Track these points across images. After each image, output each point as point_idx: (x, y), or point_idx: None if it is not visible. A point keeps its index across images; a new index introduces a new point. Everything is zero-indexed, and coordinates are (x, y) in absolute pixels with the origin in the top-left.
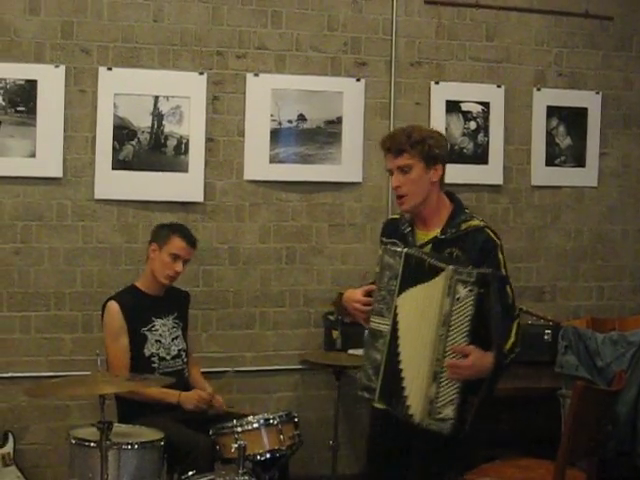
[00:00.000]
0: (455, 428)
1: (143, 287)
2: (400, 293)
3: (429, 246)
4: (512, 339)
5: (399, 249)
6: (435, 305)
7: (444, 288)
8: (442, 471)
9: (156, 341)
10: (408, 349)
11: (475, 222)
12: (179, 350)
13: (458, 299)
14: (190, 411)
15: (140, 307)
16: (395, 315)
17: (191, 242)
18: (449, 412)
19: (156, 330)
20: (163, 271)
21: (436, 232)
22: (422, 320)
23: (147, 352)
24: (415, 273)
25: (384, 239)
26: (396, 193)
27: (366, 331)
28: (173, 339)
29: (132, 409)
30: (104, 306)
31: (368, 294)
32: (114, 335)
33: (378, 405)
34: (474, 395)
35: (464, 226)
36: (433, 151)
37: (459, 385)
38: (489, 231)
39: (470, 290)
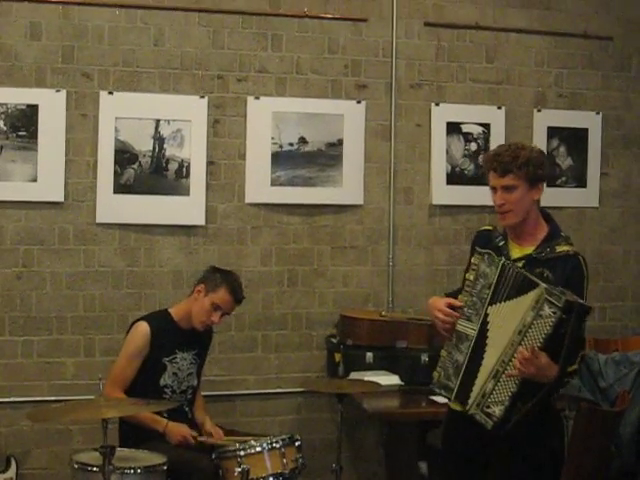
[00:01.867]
0: (497, 426)
1: (176, 317)
2: (492, 303)
3: (522, 262)
4: (575, 367)
5: (497, 259)
6: (518, 315)
7: (532, 302)
8: None
9: (173, 373)
10: (493, 356)
11: (569, 247)
12: (187, 387)
13: (541, 316)
14: (172, 443)
15: (168, 336)
16: (484, 323)
17: (238, 299)
18: (496, 410)
19: (176, 362)
20: (200, 317)
21: (530, 249)
22: (505, 328)
23: (162, 382)
24: (509, 286)
25: (478, 248)
26: (499, 210)
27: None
28: (188, 375)
29: (134, 433)
30: (132, 324)
31: (451, 307)
32: (131, 354)
33: (453, 406)
34: (523, 403)
35: (559, 249)
36: (537, 172)
37: (513, 390)
38: (581, 259)
39: (554, 312)
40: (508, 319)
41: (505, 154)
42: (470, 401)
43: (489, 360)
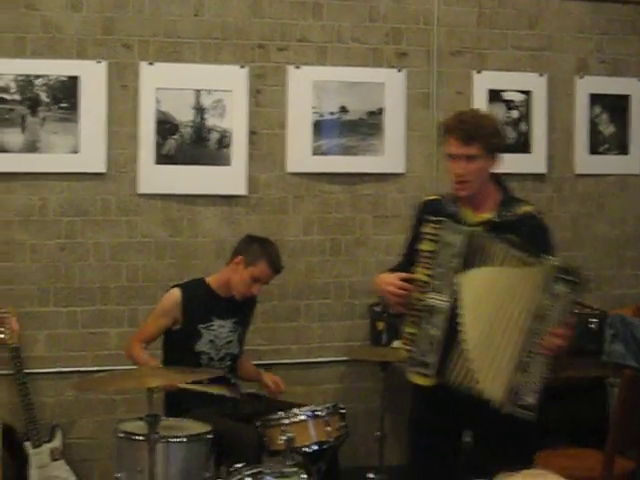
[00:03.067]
0: (533, 414)
1: (214, 285)
2: (462, 271)
3: (481, 228)
4: None
5: (460, 227)
6: (527, 296)
7: (541, 281)
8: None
9: (210, 340)
10: (477, 328)
11: (528, 207)
12: (226, 354)
13: (556, 295)
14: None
15: (203, 303)
16: (457, 293)
17: (277, 270)
18: (531, 400)
19: (213, 330)
20: (240, 289)
21: (486, 215)
22: (501, 305)
23: (198, 348)
24: (482, 255)
25: (430, 217)
26: (457, 179)
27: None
28: (227, 342)
29: (179, 402)
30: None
31: (405, 280)
32: (159, 313)
33: (419, 380)
34: (547, 381)
35: (518, 211)
36: (499, 143)
37: (545, 375)
38: (541, 217)
39: (572, 288)
40: (492, 289)
41: (470, 122)
42: (493, 395)
43: (490, 339)
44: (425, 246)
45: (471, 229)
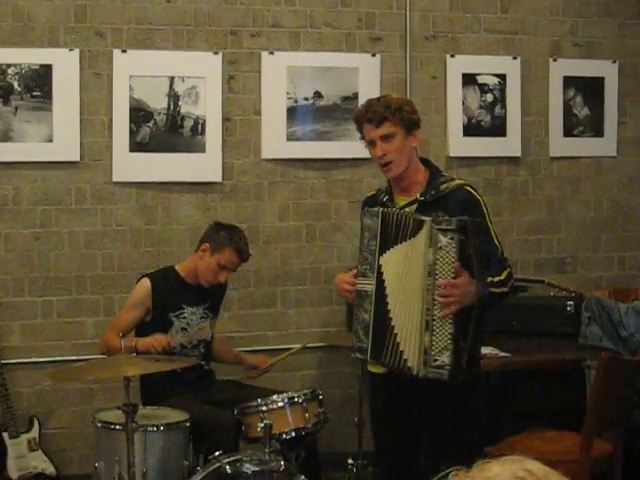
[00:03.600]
0: (452, 374)
1: (182, 272)
2: (382, 252)
3: (412, 207)
4: (500, 277)
5: (376, 209)
6: (419, 257)
7: (426, 240)
8: (459, 438)
9: (182, 328)
10: (399, 305)
11: (454, 182)
12: (200, 340)
13: (440, 248)
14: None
15: (173, 292)
16: (380, 274)
17: (244, 258)
18: (445, 359)
19: (184, 318)
20: (206, 276)
21: (415, 196)
22: (409, 274)
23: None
24: (395, 231)
25: (366, 209)
26: (380, 162)
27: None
28: (199, 329)
29: (156, 391)
30: (138, 280)
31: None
32: (129, 305)
33: (373, 369)
34: (465, 339)
35: (443, 187)
36: (411, 117)
37: (451, 331)
38: (469, 188)
39: (451, 238)
40: (406, 264)
41: (377, 104)
42: (413, 363)
43: (405, 312)
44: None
45: (383, 210)
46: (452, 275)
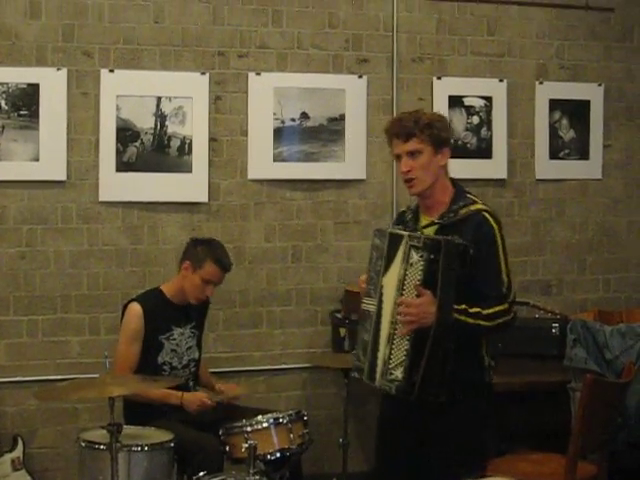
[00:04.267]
0: (401, 389)
1: (169, 294)
2: (385, 273)
3: (432, 228)
4: (485, 310)
5: (386, 230)
6: (396, 274)
7: (402, 254)
8: (463, 462)
9: (171, 350)
10: (384, 326)
11: (473, 207)
12: (189, 360)
13: (411, 264)
14: (192, 413)
15: (162, 314)
16: (381, 295)
17: (226, 269)
18: (398, 374)
19: (174, 339)
20: (194, 294)
21: (434, 218)
22: (390, 293)
23: (160, 360)
24: (397, 252)
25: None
26: (404, 177)
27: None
28: (188, 349)
29: (140, 411)
30: (125, 306)
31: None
32: (129, 338)
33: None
34: (421, 358)
35: (463, 211)
36: (441, 135)
37: (407, 348)
38: (487, 214)
39: (421, 256)
40: (392, 282)
41: (407, 119)
42: (377, 375)
43: (384, 329)
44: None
45: (390, 230)
46: (415, 294)
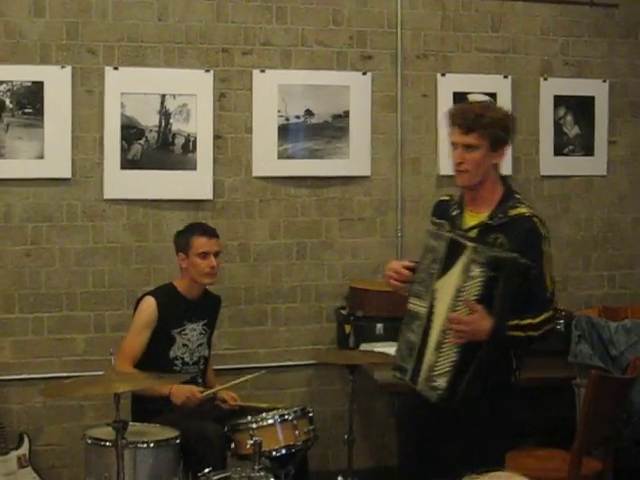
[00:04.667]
0: (442, 398)
1: (181, 289)
2: (439, 277)
3: (476, 230)
4: (533, 320)
5: (444, 233)
6: (454, 282)
7: (464, 265)
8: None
9: (183, 345)
10: (434, 331)
11: (523, 209)
12: (199, 357)
13: (471, 277)
14: (180, 406)
15: (175, 308)
16: (433, 299)
17: (211, 234)
18: (441, 382)
19: (185, 334)
20: (201, 272)
21: (484, 215)
22: (445, 299)
23: (172, 354)
24: (457, 257)
25: (434, 219)
26: (455, 167)
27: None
28: (199, 345)
29: (146, 408)
30: (139, 300)
31: (409, 269)
32: (139, 327)
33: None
34: (467, 370)
35: (512, 212)
36: (500, 135)
37: (454, 359)
38: (536, 220)
39: (482, 271)
40: (448, 290)
41: (471, 111)
42: (419, 379)
43: (434, 335)
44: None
45: (450, 235)
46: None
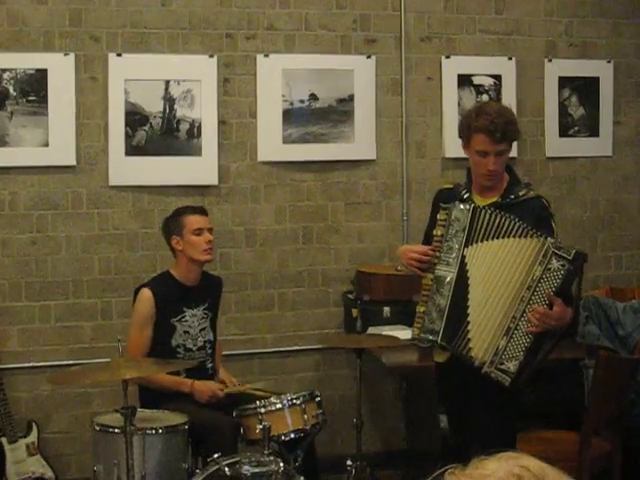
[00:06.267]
0: (512, 382)
1: (178, 275)
2: (467, 245)
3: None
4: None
5: (466, 204)
6: (522, 267)
7: (537, 255)
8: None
9: (184, 332)
10: (479, 298)
11: (531, 192)
12: (204, 342)
13: (549, 269)
14: (203, 402)
15: (173, 297)
16: (463, 264)
17: (200, 211)
18: (511, 366)
19: (185, 321)
20: (198, 250)
21: (493, 198)
22: (500, 275)
23: (174, 342)
24: (485, 227)
25: (442, 204)
26: (489, 174)
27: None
28: (201, 330)
29: (154, 394)
30: (136, 291)
31: (425, 253)
32: (141, 323)
33: (438, 358)
34: (536, 355)
35: (522, 193)
36: (519, 134)
37: (527, 345)
38: (544, 201)
39: (562, 265)
40: (496, 262)
41: (500, 119)
42: (477, 356)
43: (487, 306)
44: (438, 231)
45: (474, 205)
46: (546, 301)
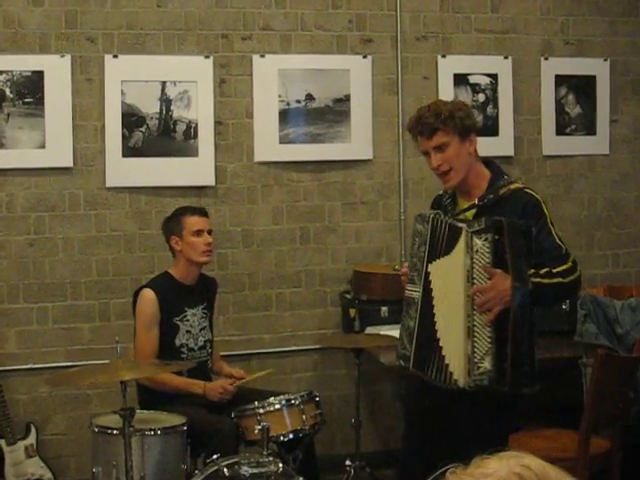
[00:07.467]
0: (493, 380)
1: (177, 275)
2: (431, 259)
3: (470, 212)
4: (558, 269)
5: (427, 214)
6: (460, 264)
7: (464, 246)
8: (489, 430)
9: (187, 331)
10: (443, 315)
11: (513, 186)
12: (205, 341)
13: (476, 251)
14: (216, 401)
15: (174, 296)
16: (427, 282)
17: (201, 212)
18: (486, 364)
19: (187, 320)
20: (197, 251)
21: (473, 201)
22: (452, 283)
23: (177, 342)
24: (443, 239)
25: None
26: (438, 172)
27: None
28: (201, 329)
29: (153, 396)
30: (136, 293)
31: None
32: (147, 324)
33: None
34: (505, 342)
35: (502, 191)
36: (465, 123)
37: (491, 335)
38: (529, 191)
39: (485, 239)
40: (450, 275)
41: (427, 115)
42: (459, 376)
43: (449, 322)
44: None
45: (433, 215)
46: (487, 277)
